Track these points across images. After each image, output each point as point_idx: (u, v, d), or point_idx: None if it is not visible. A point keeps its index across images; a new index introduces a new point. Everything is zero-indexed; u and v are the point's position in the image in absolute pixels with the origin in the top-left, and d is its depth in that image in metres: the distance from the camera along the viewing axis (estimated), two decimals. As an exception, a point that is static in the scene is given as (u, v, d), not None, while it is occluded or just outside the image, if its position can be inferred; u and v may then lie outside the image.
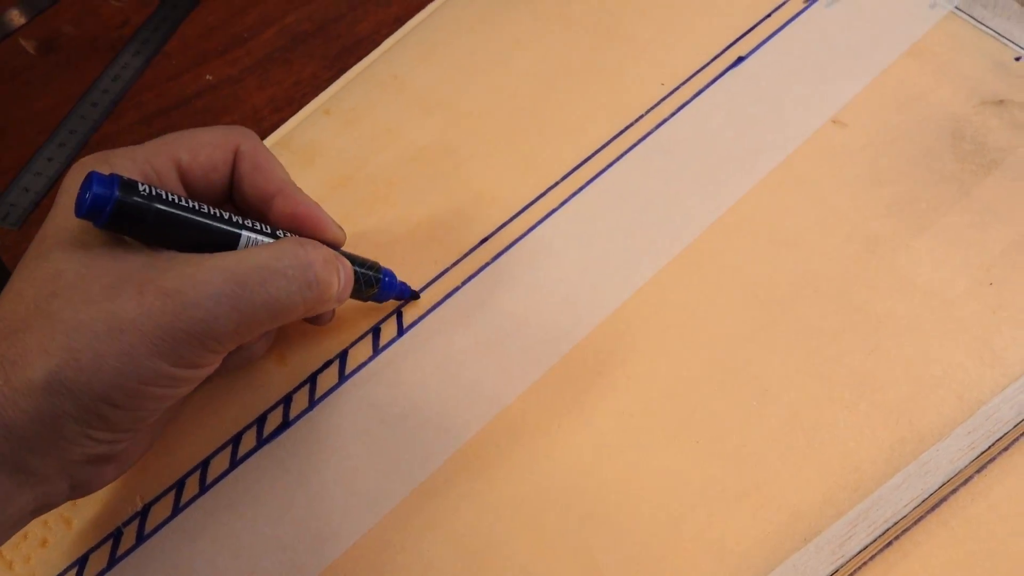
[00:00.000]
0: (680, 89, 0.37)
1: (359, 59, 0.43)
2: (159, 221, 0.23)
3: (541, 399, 0.30)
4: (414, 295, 0.32)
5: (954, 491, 0.28)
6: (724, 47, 0.37)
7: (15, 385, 0.21)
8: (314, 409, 0.31)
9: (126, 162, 0.25)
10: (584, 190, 0.34)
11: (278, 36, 0.46)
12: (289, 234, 0.27)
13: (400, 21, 0.44)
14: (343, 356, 0.32)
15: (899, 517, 0.27)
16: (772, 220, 0.33)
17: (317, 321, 0.30)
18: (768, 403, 0.29)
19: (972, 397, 0.29)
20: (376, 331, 0.32)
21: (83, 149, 0.42)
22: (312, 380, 0.31)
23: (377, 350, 0.31)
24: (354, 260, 0.29)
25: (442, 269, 0.34)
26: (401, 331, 0.32)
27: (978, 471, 0.28)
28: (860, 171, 0.34)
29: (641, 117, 0.36)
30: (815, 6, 0.38)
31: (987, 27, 0.37)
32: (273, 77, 0.44)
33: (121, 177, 0.23)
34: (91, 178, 0.23)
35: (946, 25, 0.37)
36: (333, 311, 0.31)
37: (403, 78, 0.40)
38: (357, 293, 0.29)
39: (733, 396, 0.29)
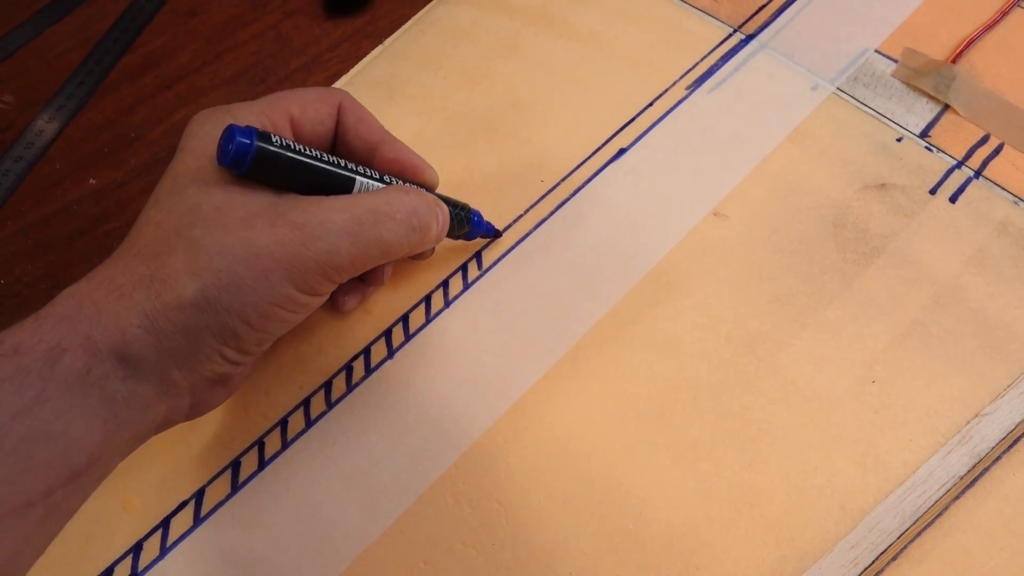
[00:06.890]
0: (560, 186, 0.36)
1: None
2: (290, 167, 0.26)
3: (406, 537, 0.29)
4: (497, 233, 0.35)
5: (840, 610, 0.26)
6: (605, 140, 0.37)
7: (166, 300, 0.23)
8: (166, 557, 0.29)
9: (248, 114, 0.27)
10: (460, 297, 0.33)
11: (166, 135, 0.44)
12: (394, 179, 0.29)
13: (292, 115, 0.43)
14: (199, 495, 0.30)
15: (780, 647, 0.26)
16: (650, 325, 0.32)
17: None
18: (645, 526, 0.28)
19: (855, 507, 0.28)
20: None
21: (-42, 264, 0.41)
22: (165, 524, 0.29)
23: (236, 487, 0.30)
24: (448, 202, 0.31)
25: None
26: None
27: (865, 586, 0.27)
28: (740, 266, 0.33)
29: (520, 217, 0.35)
30: (697, 93, 0.38)
31: (869, 108, 0.37)
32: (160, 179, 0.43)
33: (257, 129, 0.25)
34: (232, 130, 0.25)
35: (828, 107, 0.37)
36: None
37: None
38: (451, 232, 0.31)
39: (608, 521, 0.28)
